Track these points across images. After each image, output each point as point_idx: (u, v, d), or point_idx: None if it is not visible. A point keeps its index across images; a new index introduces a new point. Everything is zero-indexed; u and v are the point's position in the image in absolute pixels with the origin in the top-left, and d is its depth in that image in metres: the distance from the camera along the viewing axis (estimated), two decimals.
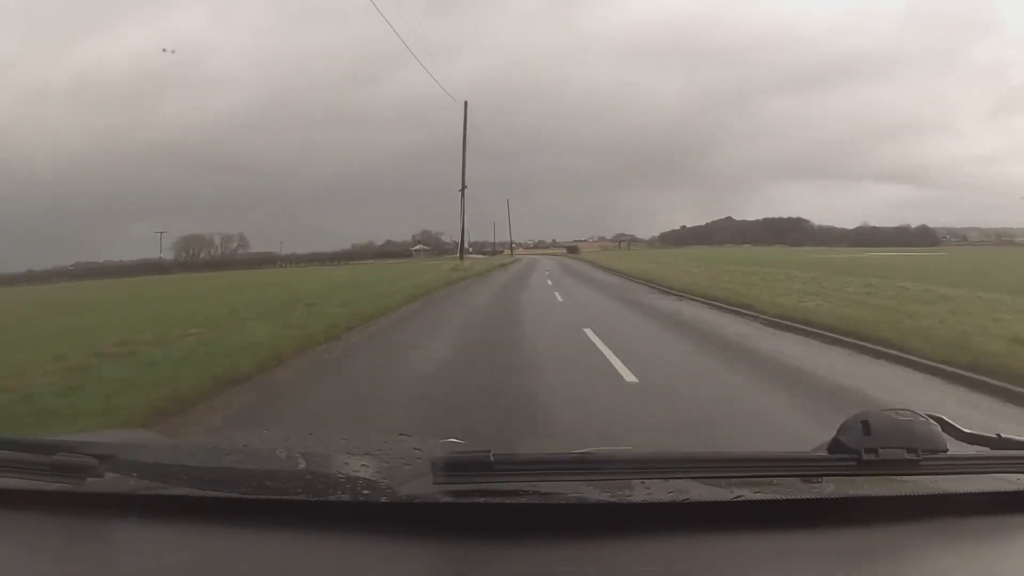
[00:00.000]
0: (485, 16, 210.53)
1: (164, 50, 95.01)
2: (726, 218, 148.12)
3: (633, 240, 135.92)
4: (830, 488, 1.00)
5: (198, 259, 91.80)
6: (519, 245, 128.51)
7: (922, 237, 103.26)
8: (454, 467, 0.95)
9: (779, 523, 0.95)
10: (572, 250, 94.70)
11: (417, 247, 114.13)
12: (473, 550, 0.92)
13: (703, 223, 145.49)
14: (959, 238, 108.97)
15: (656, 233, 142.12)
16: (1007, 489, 1.02)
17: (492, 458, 0.95)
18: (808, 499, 0.98)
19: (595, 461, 1.02)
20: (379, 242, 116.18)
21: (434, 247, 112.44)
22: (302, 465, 1.06)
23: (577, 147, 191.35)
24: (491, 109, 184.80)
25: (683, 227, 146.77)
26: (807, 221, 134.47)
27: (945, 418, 1.06)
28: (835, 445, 1.00)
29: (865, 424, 0.99)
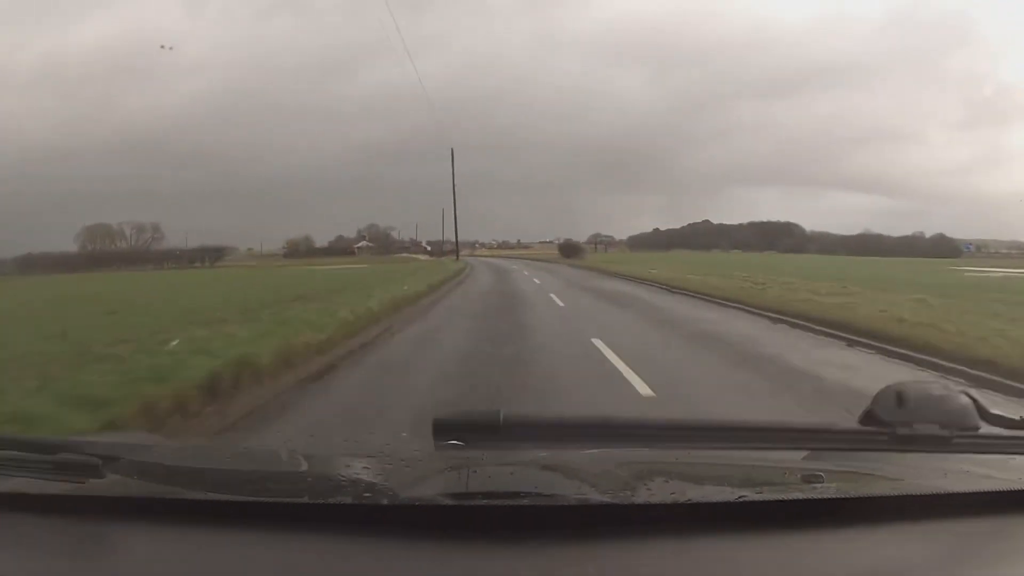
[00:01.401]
0: (457, 13, 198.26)
1: (162, 46, 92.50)
2: (704, 221, 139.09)
3: (611, 242, 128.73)
4: (832, 488, 1.05)
5: (103, 252, 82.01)
6: (481, 245, 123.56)
7: (940, 247, 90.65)
8: (462, 427, 0.98)
9: (782, 524, 0.99)
10: (570, 251, 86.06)
11: (361, 244, 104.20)
12: (475, 552, 0.95)
13: (678, 226, 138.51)
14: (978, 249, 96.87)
15: (624, 236, 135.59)
16: (1010, 488, 1.07)
17: (500, 419, 0.99)
18: (811, 499, 1.03)
19: (606, 426, 1.06)
20: (330, 238, 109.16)
21: (381, 244, 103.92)
22: (304, 467, 1.10)
23: (543, 147, 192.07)
24: (459, 105, 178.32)
25: (656, 229, 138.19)
26: (797, 226, 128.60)
27: (977, 397, 1.09)
28: (868, 417, 1.04)
29: (900, 396, 1.03)
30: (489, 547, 0.95)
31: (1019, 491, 1.06)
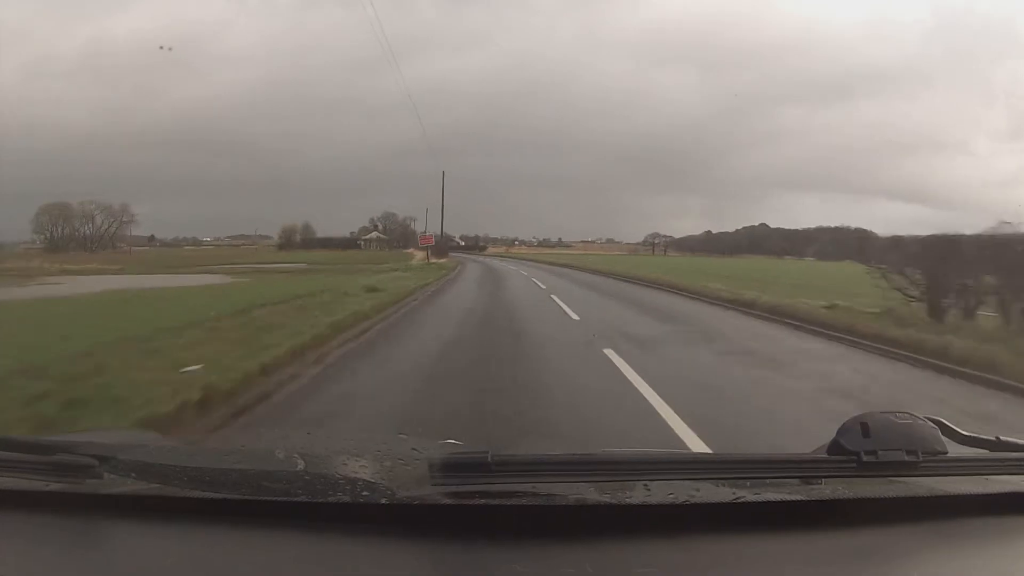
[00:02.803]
0: (501, 8, 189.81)
1: (161, 47, 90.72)
2: (761, 225, 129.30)
3: (670, 243, 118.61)
4: (829, 490, 1.09)
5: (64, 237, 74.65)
6: (521, 243, 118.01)
7: None
8: (452, 468, 1.03)
9: (779, 525, 1.04)
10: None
11: (372, 235, 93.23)
12: (472, 551, 0.99)
13: (730, 229, 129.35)
14: None
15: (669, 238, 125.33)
16: (1006, 491, 1.12)
17: (490, 459, 1.03)
18: (808, 500, 1.07)
19: (594, 462, 1.11)
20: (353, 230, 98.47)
21: (398, 235, 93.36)
22: (301, 466, 1.14)
23: (587, 146, 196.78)
24: (502, 101, 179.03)
25: (708, 232, 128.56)
26: (871, 233, 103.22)
27: (944, 421, 1.15)
28: (834, 447, 1.09)
29: (864, 426, 1.08)
30: (487, 547, 1.00)
31: (1018, 493, 1.11)
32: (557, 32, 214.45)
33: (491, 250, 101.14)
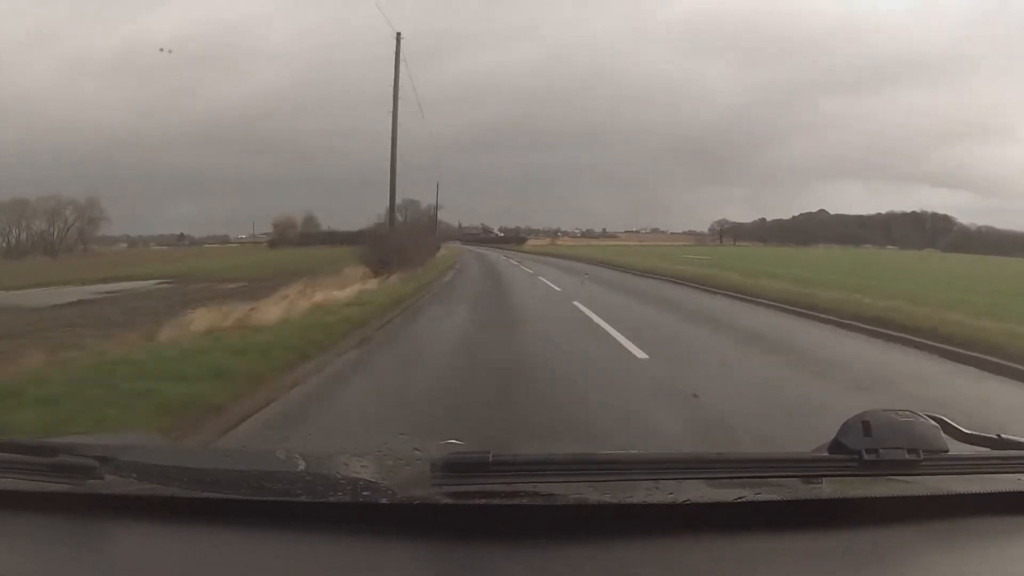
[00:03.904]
0: (543, 3, 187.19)
1: (161, 49, 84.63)
2: (820, 211, 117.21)
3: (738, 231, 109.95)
4: (830, 489, 1.12)
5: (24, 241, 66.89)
6: (564, 234, 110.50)
7: None
8: (453, 468, 1.07)
9: (780, 524, 1.06)
10: None
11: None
12: (473, 551, 1.02)
13: (786, 216, 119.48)
14: None
15: (707, 227, 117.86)
16: (1008, 489, 1.14)
17: (491, 459, 1.07)
18: (809, 500, 1.10)
19: (594, 462, 1.14)
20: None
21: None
22: (302, 466, 1.16)
23: (630, 136, 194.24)
24: (547, 94, 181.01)
25: (762, 219, 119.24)
26: (953, 219, 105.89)
27: (946, 419, 1.17)
28: (836, 446, 1.12)
29: (866, 425, 1.10)
30: (487, 546, 1.03)
31: (1019, 492, 1.13)
32: (600, 24, 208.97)
33: (532, 243, 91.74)
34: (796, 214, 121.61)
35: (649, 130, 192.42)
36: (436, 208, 47.08)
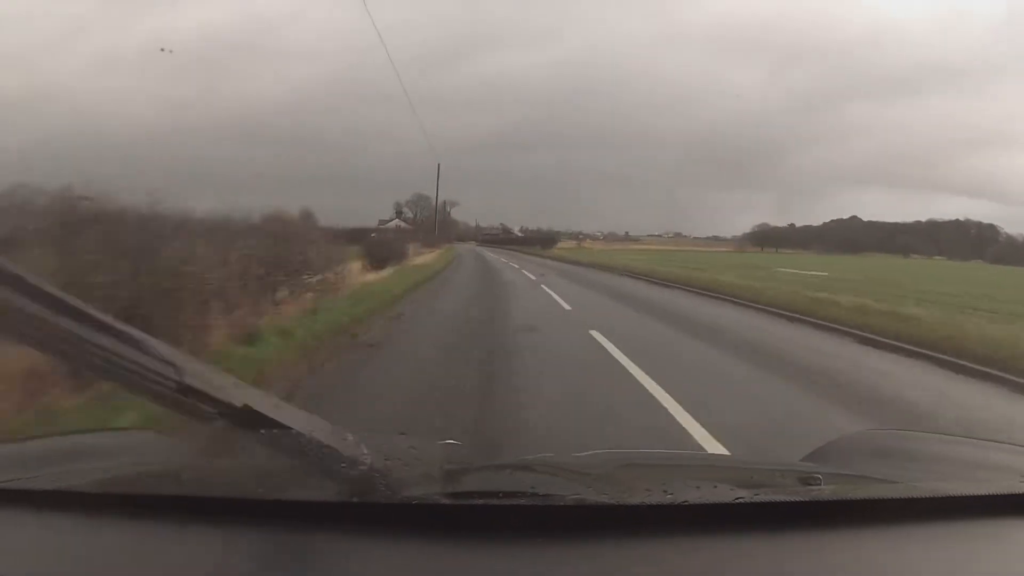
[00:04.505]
0: (569, 5, 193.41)
1: (162, 49, 78.68)
2: (852, 217, 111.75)
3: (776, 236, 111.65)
4: (829, 490, 1.14)
5: None
6: (586, 237, 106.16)
7: None
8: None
9: (778, 525, 1.07)
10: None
11: (391, 224, 67.43)
12: (471, 551, 1.02)
13: (816, 223, 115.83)
14: None
15: (738, 232, 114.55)
16: (1004, 492, 1.15)
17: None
18: (807, 501, 1.11)
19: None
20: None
21: (435, 226, 68.07)
22: (299, 465, 1.15)
23: (654, 141, 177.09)
24: (569, 98, 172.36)
25: (791, 225, 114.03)
26: (999, 229, 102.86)
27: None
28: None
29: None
30: (486, 547, 1.03)
31: (1015, 495, 1.15)
32: (626, 27, 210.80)
33: (562, 246, 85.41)
34: (827, 220, 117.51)
35: (672, 133, 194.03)
36: (436, 210, 41.98)
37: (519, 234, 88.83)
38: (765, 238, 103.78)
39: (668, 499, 1.07)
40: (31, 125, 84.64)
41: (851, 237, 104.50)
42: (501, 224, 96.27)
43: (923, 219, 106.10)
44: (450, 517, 1.05)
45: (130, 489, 1.17)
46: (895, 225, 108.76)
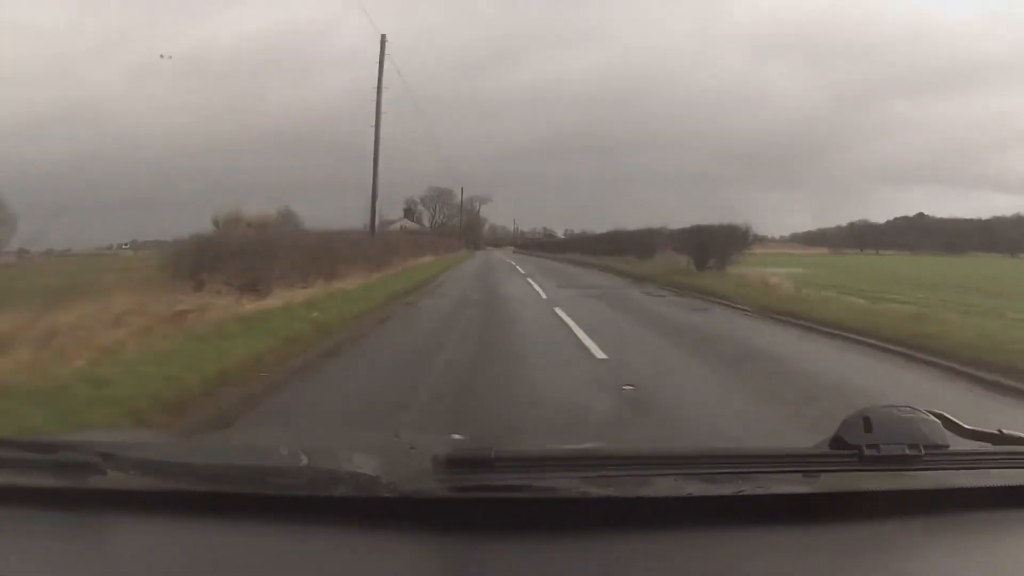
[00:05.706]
0: (612, 5, 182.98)
1: (161, 56, 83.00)
2: (918, 215, 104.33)
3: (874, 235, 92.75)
4: (832, 483, 1.17)
5: None
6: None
7: None
8: (455, 462, 1.12)
9: (781, 518, 1.11)
10: None
11: (396, 225, 60.77)
12: (476, 545, 1.06)
13: (879, 221, 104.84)
14: None
15: (787, 233, 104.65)
16: (1008, 484, 1.18)
17: (493, 454, 1.11)
18: (810, 493, 1.15)
19: (596, 457, 1.18)
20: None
21: (462, 228, 67.98)
22: (304, 461, 1.20)
23: (692, 139, 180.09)
24: (610, 96, 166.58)
25: (850, 224, 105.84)
26: None
27: (947, 415, 1.23)
28: (836, 441, 1.16)
29: (867, 420, 1.15)
30: (490, 540, 1.06)
31: (1019, 487, 1.16)
32: (667, 29, 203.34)
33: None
34: (894, 217, 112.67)
35: (712, 134, 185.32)
36: (460, 224, 37.78)
37: (562, 237, 74.00)
38: (862, 238, 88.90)
39: (671, 492, 1.11)
40: (67, 135, 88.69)
41: (919, 235, 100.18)
42: (543, 227, 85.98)
43: (985, 216, 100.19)
44: (455, 511, 1.10)
45: (133, 485, 1.19)
46: (968, 222, 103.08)
